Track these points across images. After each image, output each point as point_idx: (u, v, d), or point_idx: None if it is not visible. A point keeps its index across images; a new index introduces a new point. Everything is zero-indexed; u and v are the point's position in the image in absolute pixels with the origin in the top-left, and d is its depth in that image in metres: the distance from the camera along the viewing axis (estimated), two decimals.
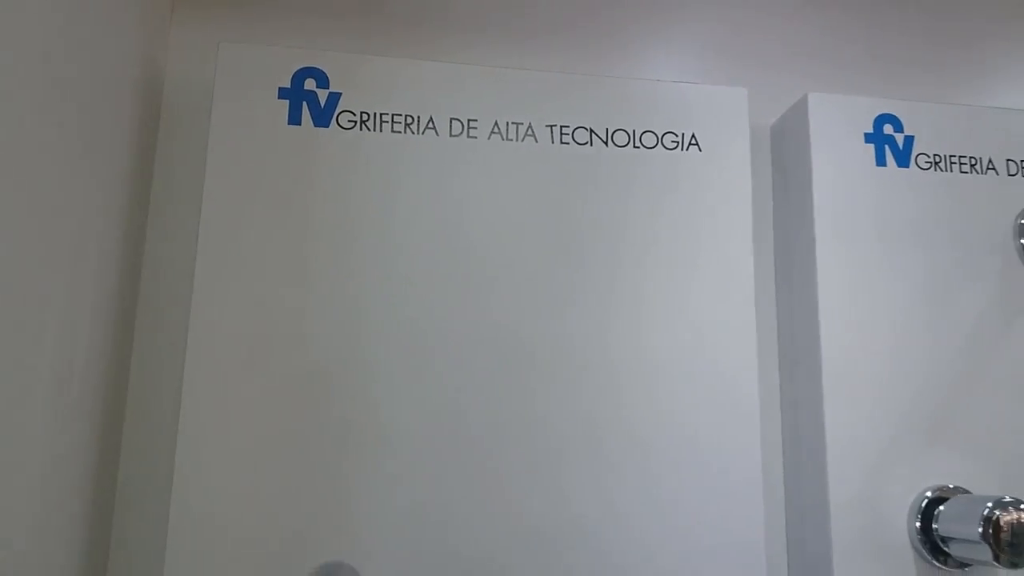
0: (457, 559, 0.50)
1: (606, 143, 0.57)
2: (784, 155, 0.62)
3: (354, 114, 0.55)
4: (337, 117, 0.55)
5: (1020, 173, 0.61)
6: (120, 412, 0.53)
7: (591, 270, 0.55)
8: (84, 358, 0.46)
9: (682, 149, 0.58)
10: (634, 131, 0.58)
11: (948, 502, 0.54)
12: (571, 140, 0.57)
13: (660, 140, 0.58)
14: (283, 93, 0.55)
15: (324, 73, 0.55)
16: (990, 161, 0.60)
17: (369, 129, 0.55)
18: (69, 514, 0.45)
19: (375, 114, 0.55)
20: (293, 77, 0.55)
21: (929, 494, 0.54)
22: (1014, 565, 0.50)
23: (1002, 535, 0.51)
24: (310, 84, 0.55)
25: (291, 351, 0.51)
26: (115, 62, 0.48)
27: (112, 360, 0.51)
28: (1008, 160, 0.61)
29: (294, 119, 0.54)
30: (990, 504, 0.51)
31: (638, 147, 0.58)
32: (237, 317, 0.51)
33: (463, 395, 0.52)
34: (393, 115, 0.55)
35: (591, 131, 0.57)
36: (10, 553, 0.38)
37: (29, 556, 0.40)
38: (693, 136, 0.58)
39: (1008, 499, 0.51)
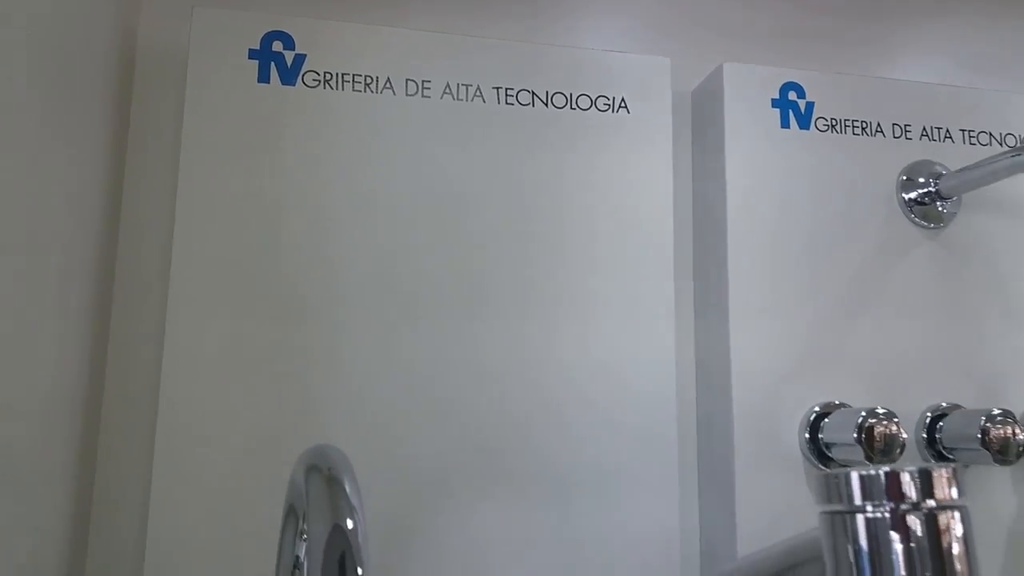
0: (415, 458, 0.57)
1: (546, 104, 0.64)
2: (703, 117, 0.70)
3: (318, 74, 0.61)
4: (303, 76, 0.60)
5: (904, 135, 0.70)
6: (102, 353, 0.58)
7: (530, 216, 0.62)
8: (65, 314, 0.51)
9: (613, 111, 0.65)
10: (571, 94, 0.65)
11: (831, 415, 0.63)
12: (515, 101, 0.64)
13: (594, 103, 0.65)
14: (253, 54, 0.60)
15: (290, 36, 0.61)
16: (879, 125, 0.69)
17: (332, 88, 0.61)
18: (57, 436, 0.51)
19: (337, 74, 0.61)
20: (262, 39, 0.60)
21: (817, 408, 0.64)
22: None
23: (875, 443, 0.61)
24: (277, 46, 0.61)
25: (266, 284, 0.57)
26: (89, 29, 0.53)
27: (94, 310, 0.56)
28: (894, 124, 0.70)
29: (263, 78, 0.60)
30: (864, 414, 0.60)
31: (574, 109, 0.65)
32: (216, 261, 0.57)
33: (419, 323, 0.59)
34: (354, 75, 0.61)
35: (533, 93, 0.64)
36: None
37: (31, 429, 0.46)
38: (623, 100, 0.66)
39: (881, 411, 0.61)
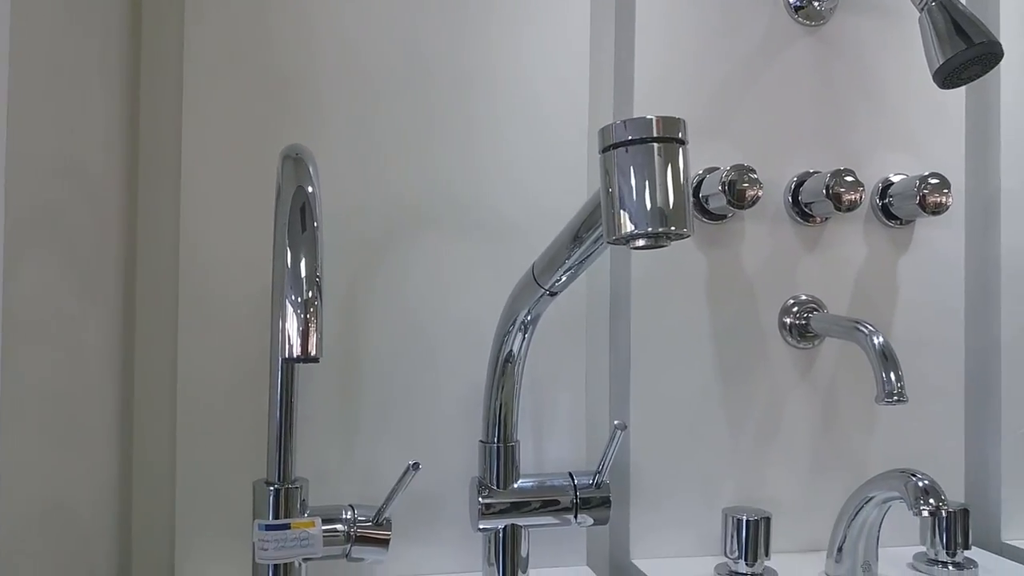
0: (393, 195, 0.75)
1: None
2: None
3: None
4: None
5: None
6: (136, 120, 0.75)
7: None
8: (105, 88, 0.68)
9: None
10: None
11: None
12: None
13: None
14: None
15: None
16: None
17: None
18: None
19: None
20: None
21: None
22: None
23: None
24: None
25: (268, 75, 0.73)
26: None
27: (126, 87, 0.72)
28: None
29: None
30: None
31: None
32: (225, 61, 0.73)
33: (390, 101, 0.76)
34: None
35: None
36: None
37: None
38: None
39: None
